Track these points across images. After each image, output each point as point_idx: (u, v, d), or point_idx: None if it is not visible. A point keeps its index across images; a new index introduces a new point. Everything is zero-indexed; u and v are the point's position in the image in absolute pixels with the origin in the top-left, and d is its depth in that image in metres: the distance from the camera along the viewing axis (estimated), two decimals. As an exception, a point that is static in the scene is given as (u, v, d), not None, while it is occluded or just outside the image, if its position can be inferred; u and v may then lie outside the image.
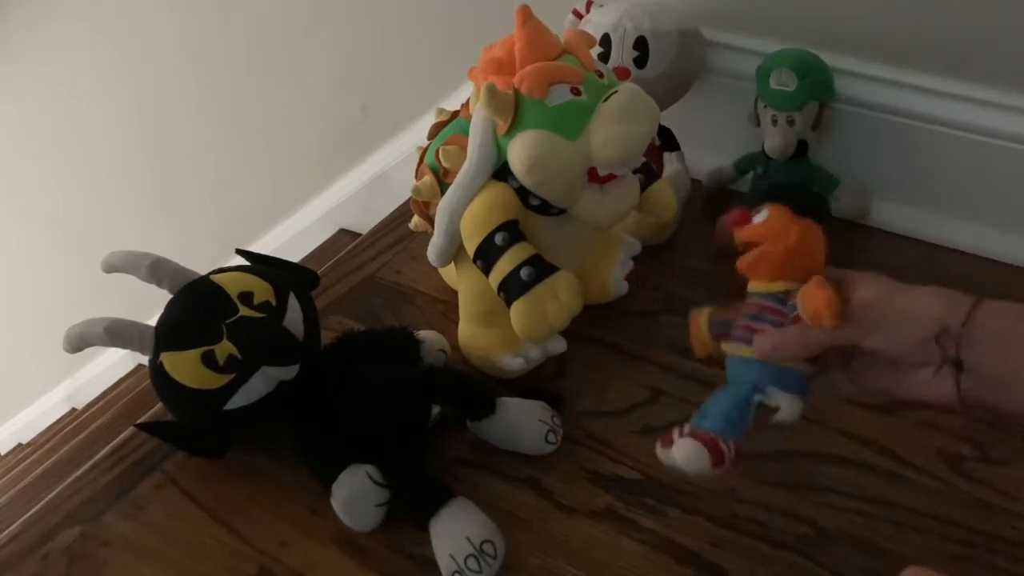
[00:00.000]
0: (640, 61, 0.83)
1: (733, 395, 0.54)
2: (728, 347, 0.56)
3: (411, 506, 0.62)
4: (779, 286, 0.53)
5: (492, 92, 0.63)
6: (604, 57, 0.84)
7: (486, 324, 0.74)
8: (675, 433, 0.54)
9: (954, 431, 0.67)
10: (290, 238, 1.51)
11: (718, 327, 0.57)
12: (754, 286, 0.55)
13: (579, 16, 0.89)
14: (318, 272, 0.74)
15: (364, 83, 1.29)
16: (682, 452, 0.52)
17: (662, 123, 0.87)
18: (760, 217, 0.54)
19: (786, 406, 0.53)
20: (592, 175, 0.66)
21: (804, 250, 0.53)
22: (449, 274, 0.83)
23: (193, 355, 0.60)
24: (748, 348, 0.53)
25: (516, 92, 0.65)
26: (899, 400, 0.52)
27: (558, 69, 0.65)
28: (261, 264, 0.70)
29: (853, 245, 0.88)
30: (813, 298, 0.50)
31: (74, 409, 2.08)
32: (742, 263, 0.55)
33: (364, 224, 1.10)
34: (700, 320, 0.58)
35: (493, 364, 0.73)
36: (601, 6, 0.87)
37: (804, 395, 0.54)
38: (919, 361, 0.49)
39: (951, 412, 0.55)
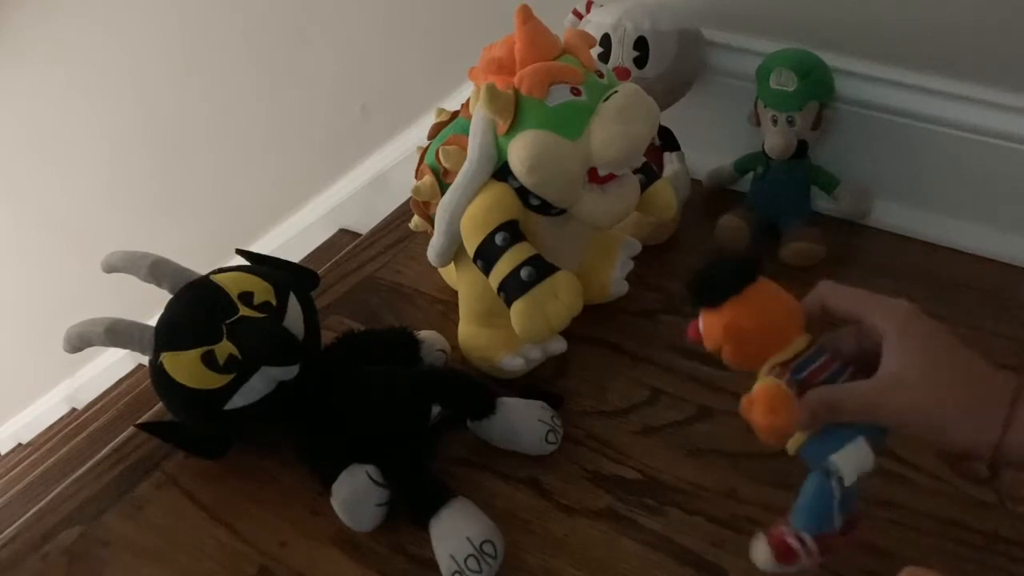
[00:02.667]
0: (640, 61, 0.83)
1: (811, 486, 0.49)
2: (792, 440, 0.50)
3: (411, 506, 0.62)
4: (784, 355, 0.48)
5: (492, 92, 0.63)
6: (604, 57, 0.84)
7: (486, 324, 0.74)
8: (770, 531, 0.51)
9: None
10: (290, 238, 1.51)
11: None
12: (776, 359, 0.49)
13: (579, 16, 0.89)
14: (318, 272, 0.74)
15: (364, 83, 1.29)
16: (753, 550, 0.51)
17: (662, 123, 0.87)
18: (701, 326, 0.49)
19: (852, 464, 0.47)
20: (592, 175, 0.66)
21: (752, 329, 0.48)
22: (449, 274, 0.83)
23: (193, 355, 0.60)
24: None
25: (516, 92, 0.65)
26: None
27: (558, 69, 0.64)
28: (261, 264, 0.70)
29: (853, 245, 0.87)
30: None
31: (74, 409, 2.08)
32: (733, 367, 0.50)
33: (364, 224, 1.10)
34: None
35: (493, 364, 0.73)
36: (601, 6, 0.87)
37: (875, 436, 0.48)
38: None
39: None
